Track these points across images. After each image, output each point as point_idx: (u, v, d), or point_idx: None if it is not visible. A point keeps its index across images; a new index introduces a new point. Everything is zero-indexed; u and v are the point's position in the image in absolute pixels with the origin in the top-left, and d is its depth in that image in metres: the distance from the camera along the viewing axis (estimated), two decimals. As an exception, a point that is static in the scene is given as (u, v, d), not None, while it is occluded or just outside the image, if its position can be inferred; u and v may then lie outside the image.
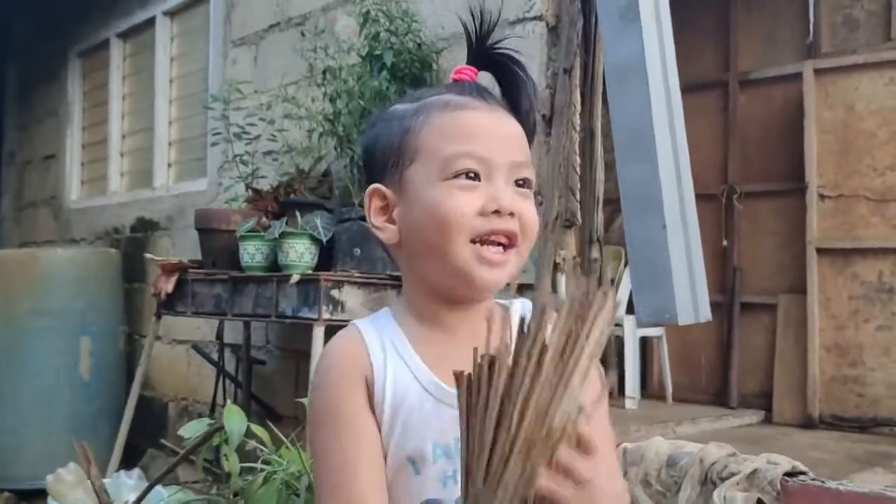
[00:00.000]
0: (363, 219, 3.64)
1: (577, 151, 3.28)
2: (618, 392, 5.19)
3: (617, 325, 4.96)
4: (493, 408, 0.87)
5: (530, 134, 1.14)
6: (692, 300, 2.99)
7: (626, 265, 5.12)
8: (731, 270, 5.76)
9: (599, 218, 3.33)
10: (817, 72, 5.49)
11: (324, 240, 3.64)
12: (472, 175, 1.05)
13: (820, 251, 5.41)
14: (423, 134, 1.08)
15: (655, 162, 2.92)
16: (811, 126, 5.48)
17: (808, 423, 5.24)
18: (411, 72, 3.73)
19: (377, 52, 3.72)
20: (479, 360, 0.89)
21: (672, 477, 2.85)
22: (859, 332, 5.31)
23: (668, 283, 2.91)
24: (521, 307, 1.16)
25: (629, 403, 4.71)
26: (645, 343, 5.50)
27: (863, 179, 5.34)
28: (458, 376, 0.91)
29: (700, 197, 5.51)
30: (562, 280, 3.11)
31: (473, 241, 1.04)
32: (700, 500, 2.71)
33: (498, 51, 1.14)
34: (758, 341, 5.66)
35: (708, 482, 2.73)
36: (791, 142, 5.56)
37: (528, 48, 3.47)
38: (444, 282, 1.08)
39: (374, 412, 1.07)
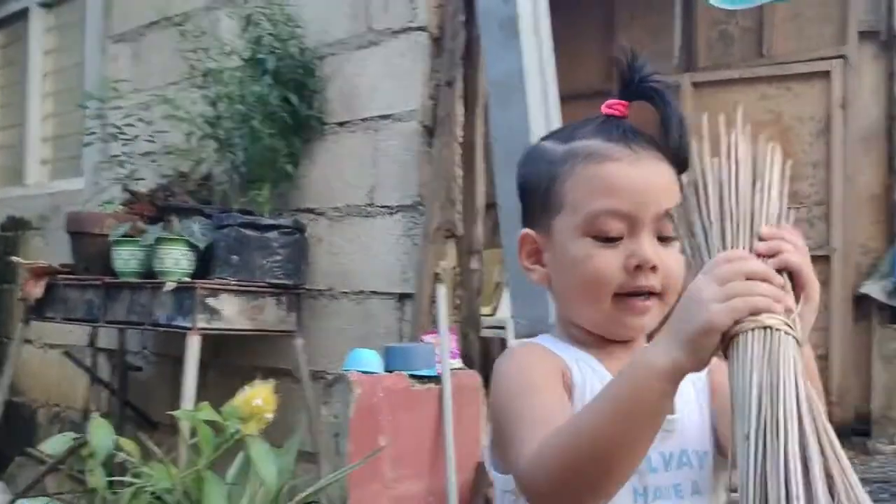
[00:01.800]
0: (243, 225, 3.61)
1: (459, 163, 3.29)
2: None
3: (500, 327, 5.01)
4: None
5: (680, 169, 1.07)
6: (568, 311, 3.04)
7: (509, 270, 5.20)
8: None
9: (480, 229, 3.35)
10: (695, 85, 5.68)
11: (201, 246, 3.56)
12: (614, 235, 1.03)
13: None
14: (568, 185, 1.06)
15: (534, 175, 2.96)
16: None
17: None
18: (294, 77, 3.68)
19: (260, 56, 3.66)
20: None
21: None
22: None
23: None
24: None
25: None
26: (528, 347, 5.56)
27: (735, 190, 5.54)
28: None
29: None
30: (441, 291, 3.12)
31: (617, 294, 1.04)
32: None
33: (647, 84, 1.09)
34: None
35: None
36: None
37: (411, 59, 3.47)
38: (590, 327, 1.09)
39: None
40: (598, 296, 1.04)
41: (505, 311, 5.11)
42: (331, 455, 2.88)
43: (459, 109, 3.29)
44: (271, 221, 3.60)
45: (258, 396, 2.59)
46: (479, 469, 3.08)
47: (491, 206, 3.71)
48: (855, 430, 5.08)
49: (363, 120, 3.65)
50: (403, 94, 3.49)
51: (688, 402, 1.08)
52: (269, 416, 2.60)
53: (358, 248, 3.65)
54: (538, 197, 1.10)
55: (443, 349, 3.04)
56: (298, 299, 3.72)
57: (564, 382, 1.04)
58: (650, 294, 1.04)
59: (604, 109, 1.11)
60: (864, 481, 3.00)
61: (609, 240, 1.03)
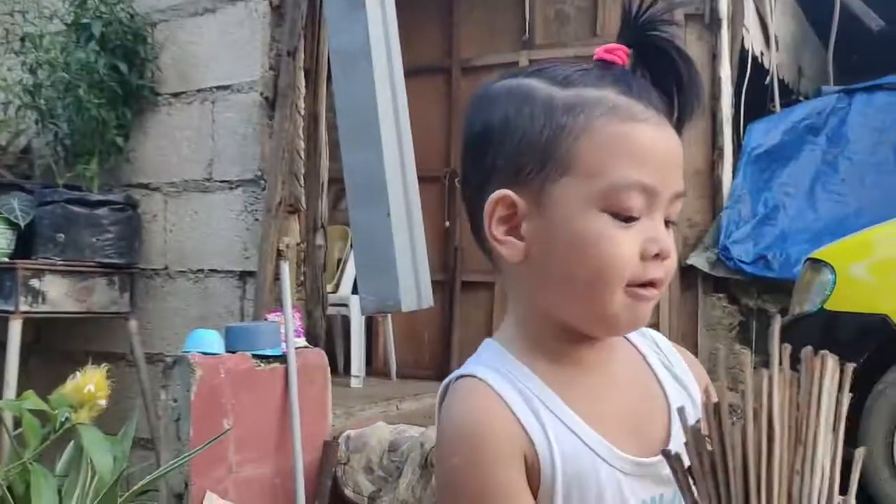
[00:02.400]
0: (69, 201, 3.39)
1: (302, 136, 3.21)
2: (343, 371, 5.20)
3: (344, 304, 4.96)
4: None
5: (688, 120, 0.92)
6: (416, 288, 3.03)
7: (352, 246, 5.15)
8: (453, 250, 5.95)
9: (324, 204, 3.28)
10: (532, 62, 5.78)
11: (22, 224, 3.32)
12: (636, 213, 0.84)
13: (533, 233, 5.73)
14: (584, 144, 0.85)
15: (380, 149, 2.92)
16: (526, 114, 5.77)
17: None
18: (123, 44, 3.47)
19: (84, 21, 3.43)
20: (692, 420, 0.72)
21: (394, 462, 2.89)
22: (567, 309, 5.69)
23: (392, 271, 2.92)
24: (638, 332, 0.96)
25: (354, 382, 4.73)
26: (371, 322, 5.55)
27: (571, 165, 5.70)
28: (667, 456, 0.75)
29: (424, 179, 5.64)
30: (284, 267, 3.03)
31: (629, 285, 0.85)
32: (420, 484, 2.77)
33: (663, 37, 0.90)
34: (477, 318, 5.90)
35: (428, 465, 2.79)
36: (509, 129, 5.82)
37: (250, 27, 3.35)
38: (579, 323, 0.89)
39: (535, 494, 0.85)
40: (609, 285, 0.84)
41: (347, 288, 5.07)
42: (171, 441, 2.75)
43: (301, 81, 3.19)
44: (101, 197, 3.41)
45: (90, 382, 2.43)
46: (327, 448, 3.04)
47: (334, 180, 3.65)
48: (682, 395, 5.36)
49: (199, 91, 3.50)
50: (242, 64, 3.37)
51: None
52: (102, 402, 2.45)
53: (196, 224, 3.50)
54: (532, 153, 0.86)
55: (287, 328, 2.96)
56: (132, 279, 3.54)
57: (527, 465, 0.85)
58: (655, 284, 0.87)
59: (601, 54, 0.90)
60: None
61: (629, 219, 0.84)
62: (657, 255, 0.84)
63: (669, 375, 0.94)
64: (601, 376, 0.91)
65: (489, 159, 0.89)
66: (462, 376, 0.89)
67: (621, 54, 0.89)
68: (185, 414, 2.72)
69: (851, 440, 2.50)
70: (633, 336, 0.94)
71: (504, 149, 0.88)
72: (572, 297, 0.87)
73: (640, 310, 0.86)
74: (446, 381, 0.91)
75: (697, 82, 0.89)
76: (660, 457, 0.81)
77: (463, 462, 0.85)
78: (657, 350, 0.96)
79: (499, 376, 0.87)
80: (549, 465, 0.84)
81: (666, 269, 0.86)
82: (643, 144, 0.84)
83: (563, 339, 0.90)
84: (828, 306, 3.13)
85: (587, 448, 0.86)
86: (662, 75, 0.89)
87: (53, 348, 3.77)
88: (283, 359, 2.95)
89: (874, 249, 3.29)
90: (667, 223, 0.87)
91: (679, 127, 0.88)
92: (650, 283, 0.85)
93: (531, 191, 0.86)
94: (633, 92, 0.86)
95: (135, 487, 2.68)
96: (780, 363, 0.72)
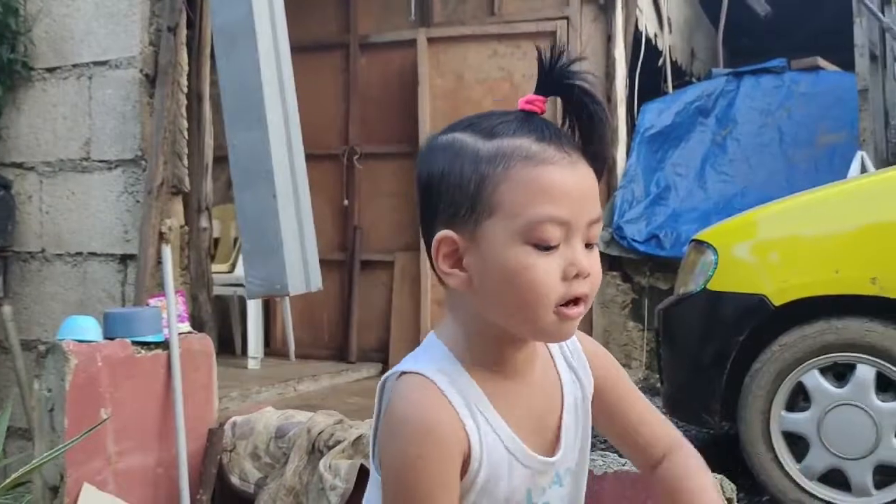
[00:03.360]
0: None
1: (185, 115, 3.10)
2: (241, 352, 5.12)
3: (240, 285, 4.87)
4: None
5: (599, 176, 1.05)
6: (303, 270, 2.99)
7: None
8: (352, 229, 5.90)
9: (209, 185, 3.19)
10: (430, 40, 5.75)
11: None
12: (553, 243, 0.99)
13: (432, 212, 5.71)
14: (504, 189, 1.00)
15: (265, 128, 2.85)
16: (424, 92, 5.73)
17: (420, 374, 5.56)
18: (-8, 16, 3.30)
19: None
20: None
21: (280, 448, 2.84)
22: (466, 287, 5.71)
23: (279, 254, 2.87)
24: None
25: (252, 363, 4.66)
26: (268, 302, 5.47)
27: (470, 145, 5.69)
28: None
29: (322, 157, 5.62)
30: (167, 251, 2.94)
31: (557, 304, 1.00)
32: (307, 470, 2.73)
33: (572, 81, 1.02)
34: (376, 297, 5.88)
35: (315, 451, 2.76)
36: (407, 106, 5.78)
37: (129, 0, 3.21)
38: (520, 335, 1.05)
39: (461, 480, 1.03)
40: (537, 308, 1.00)
41: (242, 269, 4.98)
42: (45, 432, 2.64)
43: (184, 58, 3.09)
44: (-30, 177, 3.24)
45: (-45, 374, 2.32)
46: (211, 435, 2.97)
47: (220, 159, 3.56)
48: (577, 371, 5.46)
49: (75, 66, 3.34)
50: (120, 38, 3.23)
51: (568, 430, 1.10)
52: (-30, 394, 2.34)
53: (73, 206, 3.36)
54: (464, 198, 1.02)
55: (169, 313, 2.87)
56: (5, 263, 3.39)
57: (463, 462, 1.02)
58: (581, 301, 1.01)
59: (522, 105, 1.05)
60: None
61: (548, 248, 0.99)
62: (577, 275, 0.99)
63: (567, 368, 1.12)
64: (524, 381, 1.08)
65: (433, 204, 1.05)
66: (409, 373, 1.03)
67: (539, 104, 1.03)
68: (59, 404, 2.62)
69: (732, 417, 2.53)
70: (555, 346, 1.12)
71: (443, 196, 1.04)
72: (510, 317, 1.02)
73: (567, 326, 1.01)
74: (391, 373, 1.05)
75: (604, 125, 1.03)
76: (560, 455, 1.07)
77: (421, 455, 0.99)
78: (563, 350, 1.13)
79: (446, 379, 1.03)
80: (476, 464, 1.02)
81: (590, 286, 1.01)
82: (553, 184, 0.99)
83: (501, 347, 1.06)
84: (710, 286, 3.21)
85: (507, 451, 1.04)
86: (580, 117, 1.03)
87: (-77, 335, 3.58)
88: (165, 345, 2.87)
89: (755, 231, 3.39)
90: (588, 245, 1.02)
91: (596, 161, 1.03)
92: (575, 301, 1.00)
93: (467, 230, 1.02)
94: (546, 138, 1.01)
95: (7, 480, 2.58)
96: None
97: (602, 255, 5.35)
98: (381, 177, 5.95)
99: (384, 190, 5.96)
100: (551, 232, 0.99)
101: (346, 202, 5.90)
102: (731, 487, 2.28)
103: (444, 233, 1.04)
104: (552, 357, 1.12)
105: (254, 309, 4.76)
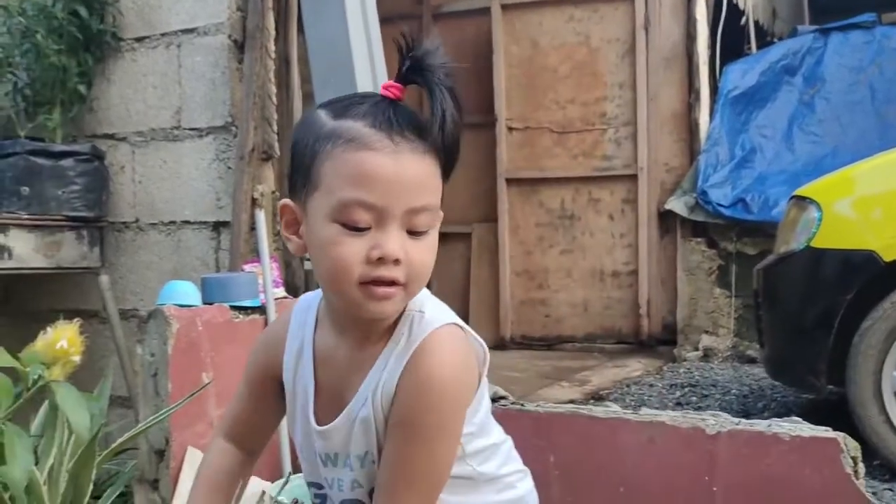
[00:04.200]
0: (32, 153, 3.25)
1: (273, 80, 3.08)
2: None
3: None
4: None
5: (447, 171, 1.10)
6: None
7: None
8: (428, 201, 5.87)
9: (299, 150, 3.16)
10: (504, 7, 5.67)
11: (-17, 178, 3.18)
12: (362, 226, 1.04)
13: (509, 181, 5.66)
14: (325, 168, 1.06)
15: (355, 90, 2.82)
16: (500, 60, 5.67)
17: (501, 345, 5.54)
18: (82, -14, 3.31)
19: (39, -37, 3.27)
20: None
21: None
22: (545, 257, 5.65)
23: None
24: (430, 321, 1.12)
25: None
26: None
27: (547, 112, 5.62)
28: None
29: (397, 129, 5.58)
30: (260, 216, 2.93)
31: (361, 283, 1.05)
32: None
33: (420, 71, 1.07)
34: (455, 269, 5.86)
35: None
36: (482, 75, 5.72)
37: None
38: (338, 308, 1.14)
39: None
40: (341, 283, 1.06)
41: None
42: (149, 397, 2.66)
43: (271, 22, 3.06)
44: (65, 148, 3.27)
45: (62, 338, 2.34)
46: (310, 400, 2.97)
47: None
48: (662, 340, 5.36)
49: (164, 35, 3.35)
50: (208, 5, 3.22)
51: (353, 417, 1.13)
52: (76, 358, 2.36)
53: (166, 174, 3.38)
54: (301, 169, 1.09)
55: (265, 278, 2.87)
56: (101, 233, 3.42)
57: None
58: (393, 283, 1.05)
59: (381, 89, 1.10)
60: (673, 386, 3.09)
61: (357, 229, 1.04)
62: (381, 259, 1.03)
63: (377, 376, 1.11)
64: (346, 347, 1.15)
65: (290, 172, 1.14)
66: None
67: (394, 90, 1.08)
68: (162, 369, 2.63)
69: (840, 379, 2.44)
70: (399, 330, 1.12)
71: (293, 166, 1.12)
72: (327, 288, 1.12)
73: (378, 305, 1.06)
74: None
75: (450, 120, 1.05)
76: (325, 428, 1.16)
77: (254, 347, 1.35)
78: (404, 350, 1.10)
79: (296, 322, 1.24)
80: (290, 381, 1.25)
81: (404, 272, 1.05)
82: (366, 169, 1.03)
83: (341, 313, 1.14)
84: (814, 244, 3.09)
85: (305, 394, 1.20)
86: (432, 109, 1.05)
87: (21, 307, 3.65)
88: (261, 310, 2.87)
89: (859, 185, 3.25)
90: (414, 233, 1.06)
91: (444, 155, 1.07)
92: (389, 282, 1.04)
93: (300, 201, 1.09)
94: (378, 124, 1.05)
95: (113, 445, 2.60)
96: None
97: (686, 220, 5.23)
98: (457, 148, 5.90)
99: (461, 161, 5.84)
100: (359, 214, 1.03)
101: (422, 174, 5.87)
102: (854, 446, 2.19)
103: (285, 201, 1.13)
104: (380, 352, 1.12)
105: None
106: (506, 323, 5.69)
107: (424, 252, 1.08)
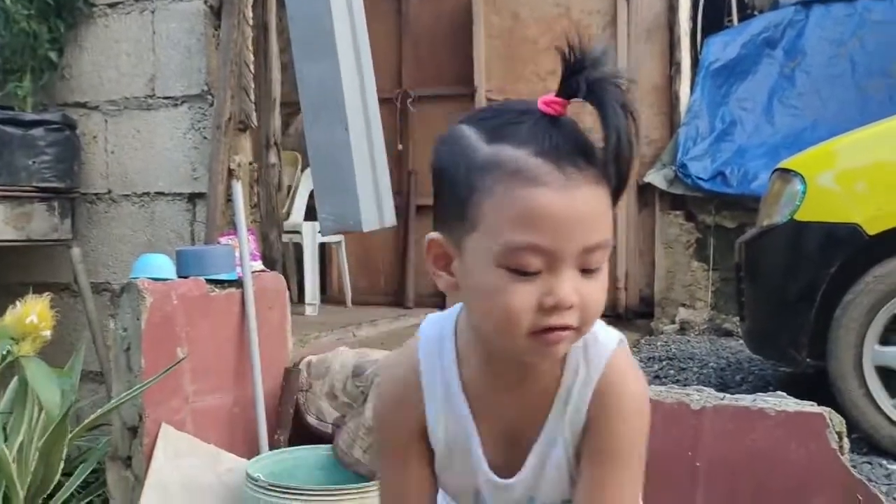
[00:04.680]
0: (2, 122, 3.16)
1: (251, 48, 3.00)
2: (298, 299, 5.09)
3: (296, 232, 4.82)
4: None
5: (616, 197, 0.96)
6: (377, 206, 2.90)
7: (303, 171, 4.97)
8: (406, 174, 5.81)
9: (276, 120, 3.10)
10: (482, -17, 5.59)
11: (-51, 147, 3.09)
12: (532, 270, 0.92)
13: (489, 153, 5.60)
14: (486, 206, 0.93)
15: (336, 59, 2.75)
16: (479, 31, 5.59)
17: (478, 318, 5.51)
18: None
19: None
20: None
21: (358, 388, 2.79)
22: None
23: (352, 189, 2.79)
24: (605, 343, 1.04)
25: (309, 310, 4.62)
26: (324, 249, 5.42)
27: (527, 84, 5.56)
28: None
29: (376, 101, 5.52)
30: (237, 187, 2.86)
31: (531, 332, 0.94)
32: (389, 408, 2.67)
33: (594, 83, 0.93)
34: (431, 243, 5.80)
35: (396, 389, 2.69)
36: (461, 46, 5.65)
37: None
38: (503, 351, 1.01)
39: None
40: (510, 333, 0.94)
41: (299, 215, 4.91)
42: (122, 372, 2.60)
43: (249, -13, 2.98)
44: (35, 117, 3.18)
45: (31, 312, 2.28)
46: (287, 375, 2.92)
47: (284, 103, 3.46)
48: (639, 313, 5.36)
49: (137, 0, 3.25)
50: (183, -32, 3.14)
51: (544, 461, 1.06)
52: (47, 333, 2.31)
53: (139, 145, 3.30)
54: (452, 201, 0.97)
55: (242, 251, 2.81)
56: (73, 204, 3.34)
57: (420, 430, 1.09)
58: (566, 327, 0.95)
59: (540, 105, 0.96)
60: (651, 359, 3.05)
61: (526, 274, 0.92)
62: (554, 307, 0.92)
63: (565, 399, 1.03)
64: (510, 391, 1.04)
65: (436, 200, 1.02)
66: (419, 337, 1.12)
67: (556, 107, 0.94)
68: (135, 343, 2.57)
69: (820, 353, 2.41)
70: (572, 361, 1.03)
71: (442, 194, 1.00)
72: (489, 332, 0.99)
73: (549, 350, 0.95)
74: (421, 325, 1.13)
75: (625, 144, 0.92)
76: (516, 480, 1.06)
77: (389, 411, 1.14)
78: (587, 380, 1.03)
79: (429, 364, 1.08)
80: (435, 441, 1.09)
81: (578, 316, 0.94)
82: (538, 210, 0.90)
83: (491, 349, 1.02)
84: (797, 217, 3.07)
85: (469, 448, 1.08)
86: (605, 130, 0.92)
87: (-10, 281, 3.57)
88: (238, 283, 2.81)
89: (843, 158, 3.23)
90: (588, 271, 0.94)
91: (614, 182, 0.94)
92: (560, 328, 0.93)
93: (454, 237, 0.97)
94: (545, 151, 0.92)
95: (85, 422, 2.55)
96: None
97: (665, 193, 5.21)
98: (435, 120, 5.84)
99: (438, 132, 5.83)
100: (529, 259, 0.92)
101: (400, 146, 5.81)
102: (839, 420, 2.18)
103: (434, 235, 1.00)
104: (555, 393, 1.04)
105: (310, 256, 4.71)
106: (484, 296, 5.66)
107: (598, 291, 0.96)
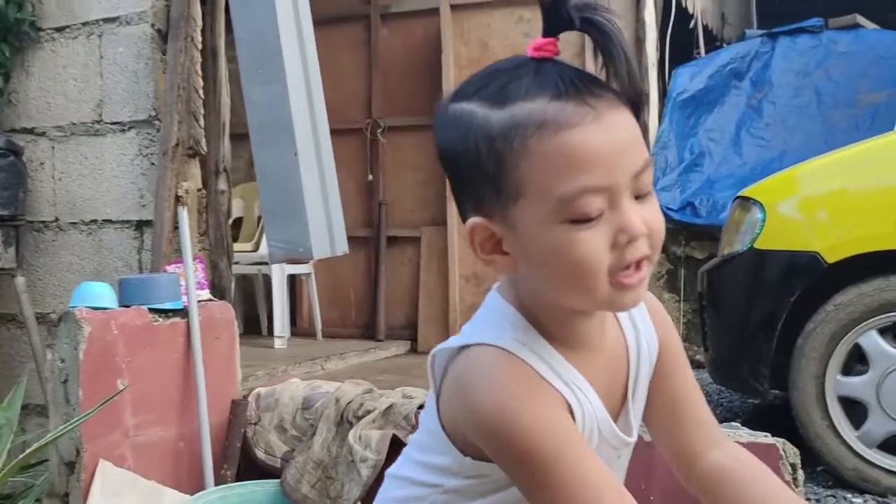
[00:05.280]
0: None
1: (199, 72, 2.95)
2: (267, 332, 5.02)
3: (264, 263, 4.75)
4: None
5: (637, 112, 0.92)
6: (328, 232, 2.84)
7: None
8: (377, 205, 5.76)
9: (226, 146, 3.04)
10: (453, 7, 5.58)
11: None
12: (594, 214, 0.88)
13: (458, 184, 5.56)
14: (524, 168, 0.88)
15: (284, 82, 2.70)
16: (449, 62, 5.57)
17: (449, 351, 5.44)
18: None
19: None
20: None
21: (308, 420, 2.70)
22: (494, 262, 5.56)
23: (301, 214, 2.72)
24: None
25: (278, 343, 4.56)
26: (294, 280, 5.35)
27: (496, 114, 5.53)
28: None
29: (345, 132, 5.47)
30: (183, 214, 2.79)
31: (612, 275, 0.89)
32: (336, 442, 2.59)
33: (583, 9, 0.90)
34: (404, 274, 5.74)
35: (344, 422, 2.61)
36: (431, 76, 5.62)
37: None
38: (589, 309, 0.96)
39: None
40: (591, 283, 0.89)
41: (266, 247, 4.85)
42: (59, 405, 2.51)
43: (197, 10, 2.93)
44: (-21, 143, 3.11)
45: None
46: (235, 407, 2.83)
47: (242, 136, 3.39)
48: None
49: (85, 24, 3.20)
50: (130, -8, 3.09)
51: (637, 403, 1.04)
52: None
53: (87, 171, 3.22)
54: (485, 180, 0.91)
55: (188, 279, 2.73)
56: (17, 232, 3.25)
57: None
58: (643, 260, 0.91)
59: (531, 52, 0.92)
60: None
61: (590, 220, 0.88)
62: (629, 241, 0.88)
63: (633, 329, 1.03)
64: (596, 351, 0.99)
65: (459, 184, 0.95)
66: (484, 345, 0.94)
67: (549, 48, 0.91)
68: (73, 375, 2.49)
69: (782, 383, 2.34)
70: (618, 317, 1.03)
71: (465, 178, 0.93)
72: (566, 295, 0.92)
73: (630, 294, 0.90)
74: (454, 345, 0.97)
75: (623, 58, 0.89)
76: (635, 436, 1.01)
77: (535, 416, 0.90)
78: (643, 325, 1.04)
79: (536, 357, 0.94)
80: (580, 423, 0.95)
81: (651, 244, 0.89)
82: (579, 151, 0.86)
83: (568, 318, 0.96)
84: (758, 245, 3.03)
85: (597, 427, 0.96)
86: (602, 52, 0.89)
87: (-66, 311, 3.48)
88: (184, 313, 2.73)
89: (803, 185, 3.20)
90: (641, 196, 0.89)
91: (632, 97, 0.90)
92: (635, 265, 0.89)
93: (498, 214, 0.91)
94: (563, 93, 0.87)
95: (20, 457, 2.46)
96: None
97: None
98: (405, 150, 5.81)
99: (409, 163, 5.81)
100: (590, 204, 0.87)
101: (370, 177, 5.76)
102: (793, 452, 2.12)
103: (474, 220, 0.94)
104: (619, 323, 1.03)
105: (279, 288, 4.64)
106: (455, 327, 5.57)
107: (657, 213, 0.92)
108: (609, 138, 0.87)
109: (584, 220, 0.87)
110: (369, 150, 5.74)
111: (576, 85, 0.88)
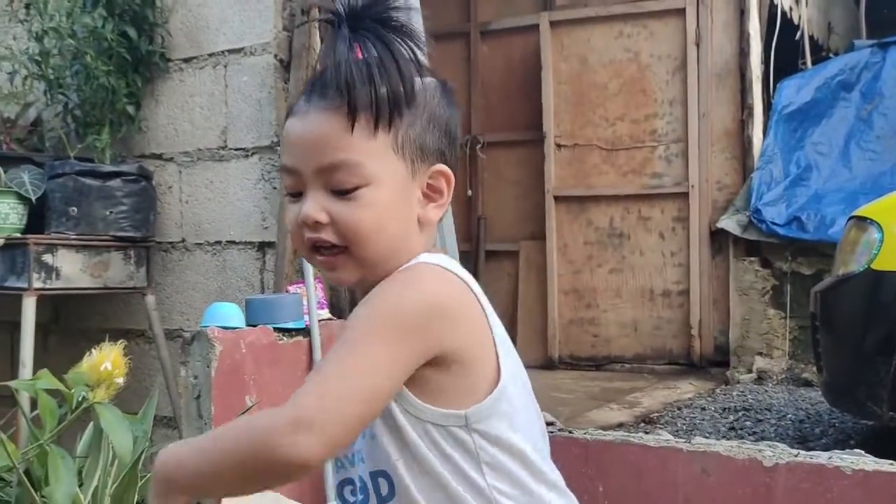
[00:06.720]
0: (81, 173, 3.27)
1: (319, 99, 3.06)
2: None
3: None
4: None
5: (354, 112, 0.99)
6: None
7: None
8: (476, 219, 5.84)
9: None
10: (553, 24, 5.61)
11: (33, 198, 3.21)
12: (292, 191, 1.05)
13: (557, 199, 5.60)
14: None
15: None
16: (548, 77, 5.61)
17: (548, 365, 5.46)
18: (131, 8, 3.34)
19: (89, -15, 3.30)
20: None
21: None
22: (594, 276, 5.56)
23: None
24: (416, 261, 1.05)
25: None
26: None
27: (596, 129, 5.55)
28: None
29: (445, 147, 5.57)
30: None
31: (308, 249, 1.04)
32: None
33: (362, 26, 1.01)
34: (502, 287, 5.79)
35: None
36: (530, 92, 5.68)
37: (262, -15, 3.20)
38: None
39: None
40: (298, 248, 1.06)
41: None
42: (193, 419, 2.65)
43: (317, 41, 3.05)
44: (113, 168, 3.29)
45: (106, 360, 2.33)
46: (354, 423, 2.93)
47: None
48: (714, 362, 5.23)
49: (211, 55, 3.36)
50: (255, 25, 3.22)
51: None
52: (120, 380, 2.35)
53: (212, 195, 3.38)
54: None
55: (309, 299, 2.84)
56: (148, 253, 3.43)
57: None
58: (333, 246, 1.01)
59: None
60: (726, 410, 2.96)
61: (292, 195, 1.05)
62: (304, 223, 1.00)
63: None
64: None
65: None
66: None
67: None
68: (205, 391, 2.62)
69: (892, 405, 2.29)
70: None
71: None
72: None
73: (326, 271, 1.05)
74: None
75: (346, 66, 0.98)
76: None
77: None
78: None
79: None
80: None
81: (336, 234, 1.00)
82: (287, 135, 1.04)
83: None
84: (875, 266, 2.97)
85: None
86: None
87: (71, 326, 3.68)
88: (306, 332, 2.84)
89: (923, 205, 3.13)
90: (339, 192, 1.00)
91: (350, 99, 0.98)
92: (326, 246, 1.01)
93: None
94: (308, 87, 1.05)
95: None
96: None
97: (738, 239, 5.11)
98: (504, 165, 5.88)
99: (508, 178, 5.87)
100: (287, 180, 1.04)
101: (469, 192, 5.84)
102: (921, 480, 2.08)
103: None
104: None
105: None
106: (553, 343, 5.60)
107: (355, 211, 1.00)
108: (299, 131, 1.02)
109: (290, 194, 1.04)
110: (469, 165, 5.82)
111: (314, 82, 1.04)
